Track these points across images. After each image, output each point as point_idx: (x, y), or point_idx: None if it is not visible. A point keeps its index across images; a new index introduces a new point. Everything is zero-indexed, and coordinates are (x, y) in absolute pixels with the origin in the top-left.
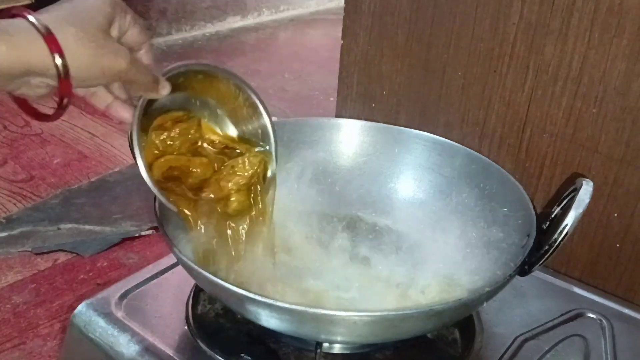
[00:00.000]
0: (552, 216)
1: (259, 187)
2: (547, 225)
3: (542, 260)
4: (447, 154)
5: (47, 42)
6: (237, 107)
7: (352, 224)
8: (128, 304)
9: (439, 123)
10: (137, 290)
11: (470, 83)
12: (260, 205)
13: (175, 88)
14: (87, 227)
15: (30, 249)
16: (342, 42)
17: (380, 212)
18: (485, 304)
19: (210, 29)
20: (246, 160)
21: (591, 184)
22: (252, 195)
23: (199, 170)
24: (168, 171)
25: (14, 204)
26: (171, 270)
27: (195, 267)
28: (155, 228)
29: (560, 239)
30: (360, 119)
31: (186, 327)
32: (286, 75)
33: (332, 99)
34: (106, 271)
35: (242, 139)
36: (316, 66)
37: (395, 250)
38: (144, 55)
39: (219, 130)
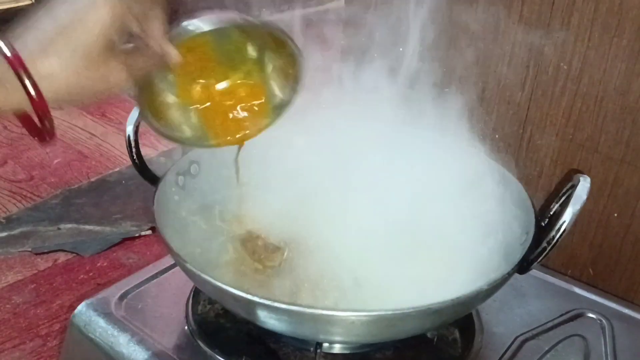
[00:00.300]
0: (551, 213)
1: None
2: (545, 222)
3: (541, 258)
4: (446, 152)
5: (11, 63)
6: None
7: (346, 221)
8: (128, 304)
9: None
10: (137, 290)
11: (470, 83)
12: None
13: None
14: (87, 227)
15: (30, 249)
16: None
17: (377, 211)
18: (484, 303)
19: None
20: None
21: (588, 179)
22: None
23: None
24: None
25: (14, 204)
26: (171, 270)
27: (193, 269)
28: (155, 228)
29: (558, 236)
30: None
31: (186, 327)
32: None
33: (332, 98)
34: (106, 271)
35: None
36: (317, 65)
37: (388, 248)
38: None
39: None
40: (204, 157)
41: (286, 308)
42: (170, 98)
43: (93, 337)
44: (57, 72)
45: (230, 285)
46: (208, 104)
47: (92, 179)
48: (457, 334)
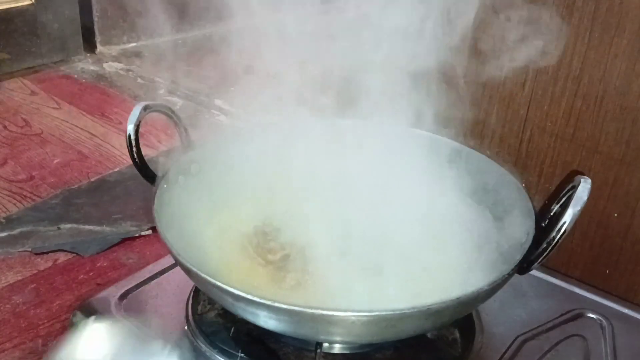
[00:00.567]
0: (551, 214)
1: None
2: (545, 223)
3: (541, 259)
4: (447, 153)
5: None
6: None
7: (348, 223)
8: (128, 304)
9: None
10: (137, 290)
11: (470, 83)
12: None
13: None
14: (87, 227)
15: (30, 249)
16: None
17: (377, 210)
18: (484, 303)
19: (210, 29)
20: None
21: (589, 181)
22: None
23: None
24: None
25: (14, 204)
26: (171, 270)
27: (193, 268)
28: (155, 228)
29: (558, 236)
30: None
31: (186, 327)
32: (286, 76)
33: (332, 98)
34: (106, 271)
35: None
36: (316, 67)
37: (392, 248)
38: None
39: None
40: (205, 156)
41: (286, 308)
42: None
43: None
44: None
45: (231, 285)
46: None
47: (92, 179)
48: (457, 334)
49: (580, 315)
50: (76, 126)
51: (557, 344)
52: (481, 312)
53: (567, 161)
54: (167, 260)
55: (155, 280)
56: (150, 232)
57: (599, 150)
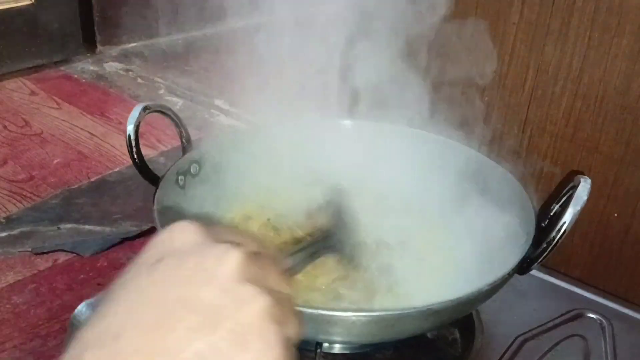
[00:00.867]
0: (551, 214)
1: None
2: (545, 223)
3: (541, 259)
4: (447, 153)
5: None
6: None
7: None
8: None
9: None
10: None
11: (470, 83)
12: None
13: None
14: (87, 227)
15: (30, 249)
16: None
17: (378, 211)
18: (484, 303)
19: (210, 29)
20: None
21: (589, 181)
22: None
23: None
24: None
25: (14, 204)
26: None
27: None
28: (155, 228)
29: (558, 236)
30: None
31: None
32: (286, 76)
33: (332, 99)
34: (106, 271)
35: None
36: (317, 66)
37: (392, 248)
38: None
39: None
40: (205, 156)
41: None
42: None
43: None
44: None
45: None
46: None
47: (92, 179)
48: (457, 334)
49: (580, 315)
50: (76, 126)
51: (557, 344)
52: (481, 312)
53: (567, 161)
54: None
55: None
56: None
57: (599, 150)
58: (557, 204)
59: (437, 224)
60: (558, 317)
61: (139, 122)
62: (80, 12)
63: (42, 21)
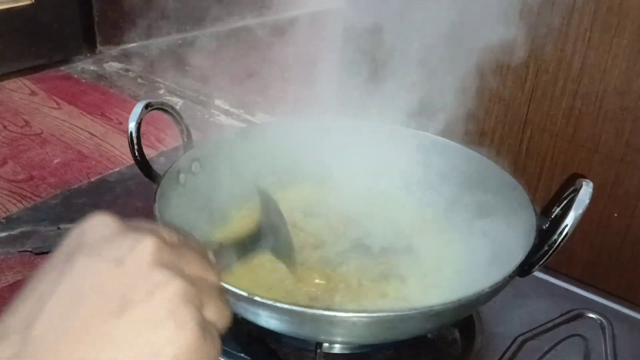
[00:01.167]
0: (552, 217)
1: None
2: (547, 225)
3: (542, 261)
4: (447, 154)
5: None
6: None
7: (349, 224)
8: None
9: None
10: None
11: (470, 83)
12: None
13: None
14: None
15: (30, 249)
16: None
17: (378, 212)
18: (485, 305)
19: (210, 29)
20: None
21: (591, 184)
22: None
23: None
24: None
25: (14, 204)
26: None
27: None
28: None
29: (560, 239)
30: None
31: None
32: (286, 76)
33: (332, 98)
34: None
35: None
36: (317, 66)
37: (392, 250)
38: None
39: None
40: (206, 155)
41: (288, 308)
42: None
43: None
44: None
45: (232, 284)
46: None
47: (92, 179)
48: (457, 334)
49: (580, 315)
50: (76, 126)
51: (557, 344)
52: (481, 312)
53: (567, 161)
54: None
55: None
56: None
57: (599, 150)
58: (558, 206)
59: (438, 226)
60: (558, 317)
61: (141, 120)
62: (80, 12)
63: (42, 21)
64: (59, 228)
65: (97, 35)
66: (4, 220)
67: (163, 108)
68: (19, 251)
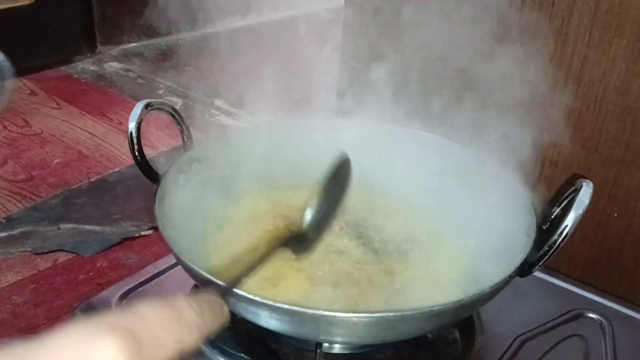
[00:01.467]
0: (552, 217)
1: None
2: (547, 226)
3: (542, 262)
4: (447, 154)
5: None
6: None
7: (350, 224)
8: (128, 304)
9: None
10: (137, 290)
11: (470, 84)
12: None
13: None
14: (87, 227)
15: (30, 249)
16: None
17: (377, 211)
18: (485, 305)
19: (210, 29)
20: None
21: (591, 185)
22: None
23: None
24: None
25: (14, 204)
26: (171, 270)
27: (195, 267)
28: (155, 228)
29: (560, 240)
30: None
31: None
32: (287, 76)
33: (332, 98)
34: (106, 271)
35: None
36: (317, 66)
37: (391, 250)
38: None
39: None
40: (206, 155)
41: (288, 308)
42: None
43: None
44: None
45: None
46: None
47: (92, 179)
48: (457, 334)
49: (580, 315)
50: (76, 126)
51: (557, 344)
52: (481, 312)
53: (567, 161)
54: (167, 260)
55: (155, 280)
56: (150, 232)
57: (599, 150)
58: (558, 207)
59: (438, 226)
60: (558, 317)
61: (141, 120)
62: (80, 12)
63: (42, 21)
64: (59, 228)
65: (97, 35)
66: (4, 220)
67: (163, 108)
68: (19, 251)
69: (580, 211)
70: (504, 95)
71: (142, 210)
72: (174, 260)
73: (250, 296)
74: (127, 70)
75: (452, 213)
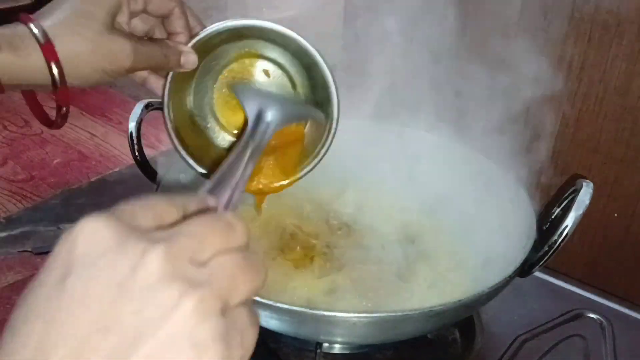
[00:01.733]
0: (552, 217)
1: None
2: (547, 226)
3: (542, 262)
4: (448, 154)
5: (45, 52)
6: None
7: (349, 223)
8: None
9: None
10: None
11: (470, 84)
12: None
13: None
14: None
15: (30, 249)
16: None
17: (378, 211)
18: (485, 305)
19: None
20: None
21: (591, 185)
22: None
23: None
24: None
25: (14, 204)
26: None
27: None
28: None
29: (560, 240)
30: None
31: None
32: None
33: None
34: None
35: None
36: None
37: (392, 249)
38: (174, 21)
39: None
40: None
41: (288, 308)
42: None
43: None
44: (69, 50)
45: None
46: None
47: (92, 179)
48: (457, 334)
49: (580, 315)
50: (76, 126)
51: (557, 344)
52: (481, 312)
53: (567, 161)
54: None
55: None
56: None
57: (599, 150)
58: (558, 207)
59: (438, 226)
60: (558, 317)
61: (141, 120)
62: None
63: None
64: (59, 228)
65: None
66: (4, 220)
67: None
68: (19, 251)
69: (581, 211)
70: (504, 94)
71: None
72: None
73: None
74: None
75: (452, 213)
